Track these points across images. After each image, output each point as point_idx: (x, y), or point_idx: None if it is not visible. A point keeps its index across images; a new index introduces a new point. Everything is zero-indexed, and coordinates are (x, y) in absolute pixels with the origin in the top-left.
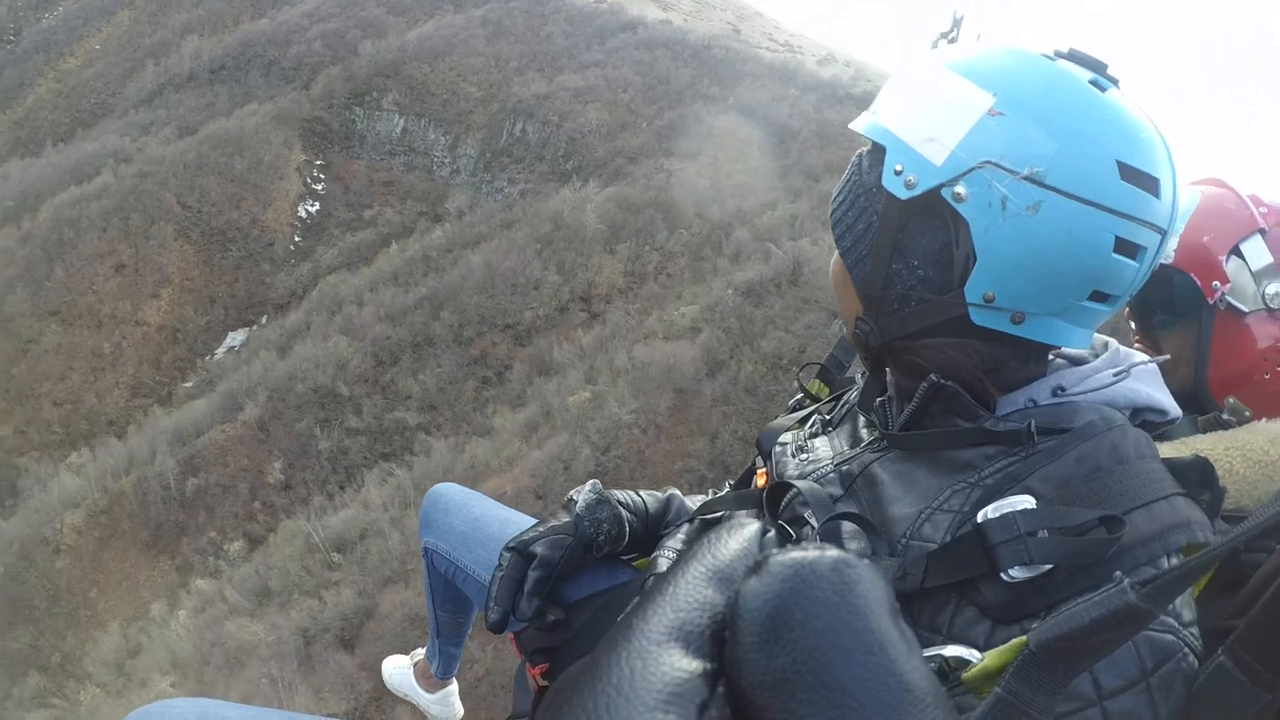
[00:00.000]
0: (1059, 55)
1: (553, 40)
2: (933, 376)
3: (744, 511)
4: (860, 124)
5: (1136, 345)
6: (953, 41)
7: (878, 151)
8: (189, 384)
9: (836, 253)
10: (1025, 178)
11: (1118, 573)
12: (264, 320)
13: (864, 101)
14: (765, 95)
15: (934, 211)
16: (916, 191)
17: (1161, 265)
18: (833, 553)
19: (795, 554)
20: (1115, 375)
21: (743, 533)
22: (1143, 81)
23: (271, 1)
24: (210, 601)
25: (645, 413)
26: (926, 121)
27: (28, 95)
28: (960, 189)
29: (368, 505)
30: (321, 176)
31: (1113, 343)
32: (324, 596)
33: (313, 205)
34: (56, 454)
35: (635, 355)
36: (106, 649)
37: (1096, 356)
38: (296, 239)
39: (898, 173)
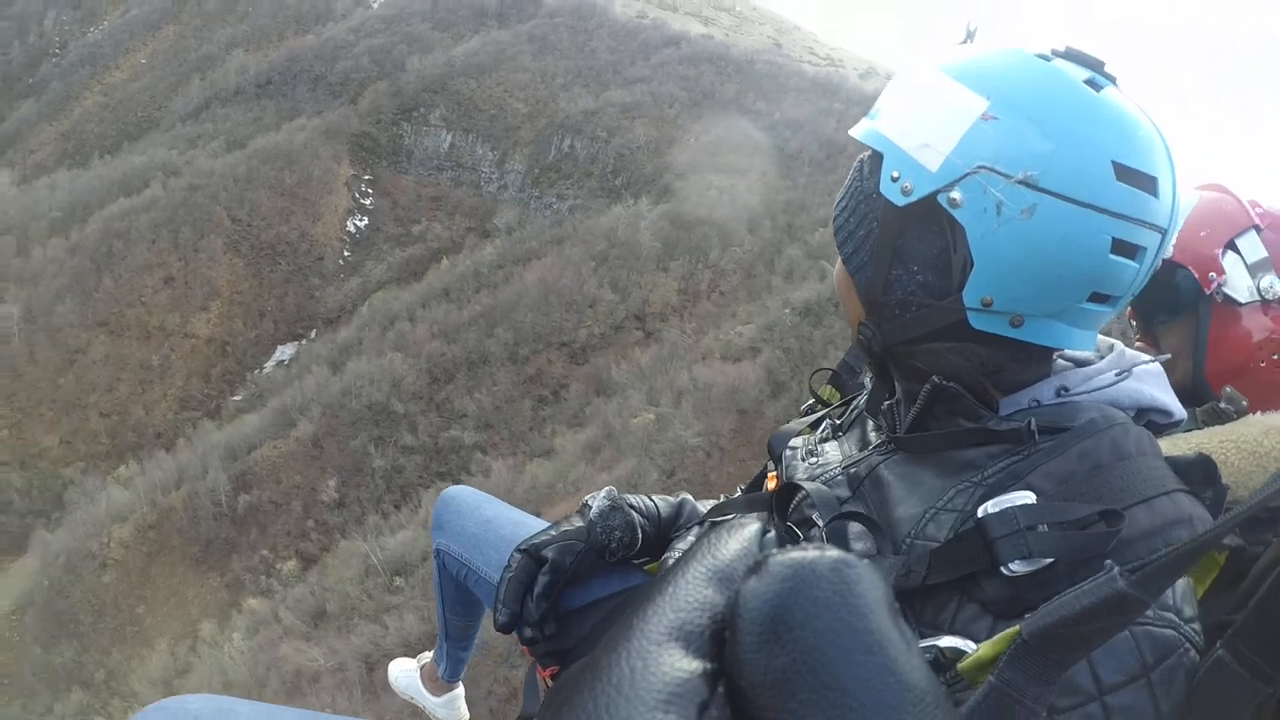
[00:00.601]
0: (1055, 54)
1: (597, 56)
2: (935, 379)
3: (753, 514)
4: (858, 130)
5: (1137, 344)
6: None
7: (877, 158)
8: (238, 397)
9: (839, 259)
10: (1020, 181)
11: (1107, 561)
12: (313, 335)
13: None
14: (810, 110)
15: (931, 217)
16: (913, 198)
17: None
18: (832, 553)
19: (795, 554)
20: (1118, 375)
21: (742, 533)
22: (1151, 88)
23: (317, 17)
24: (264, 622)
25: (709, 435)
26: (921, 127)
27: (74, 108)
28: (956, 194)
29: (426, 526)
30: (370, 191)
31: (1118, 345)
32: (385, 621)
33: (361, 220)
34: (103, 466)
35: (696, 376)
36: (154, 667)
37: (1102, 358)
38: (345, 254)
39: (894, 179)
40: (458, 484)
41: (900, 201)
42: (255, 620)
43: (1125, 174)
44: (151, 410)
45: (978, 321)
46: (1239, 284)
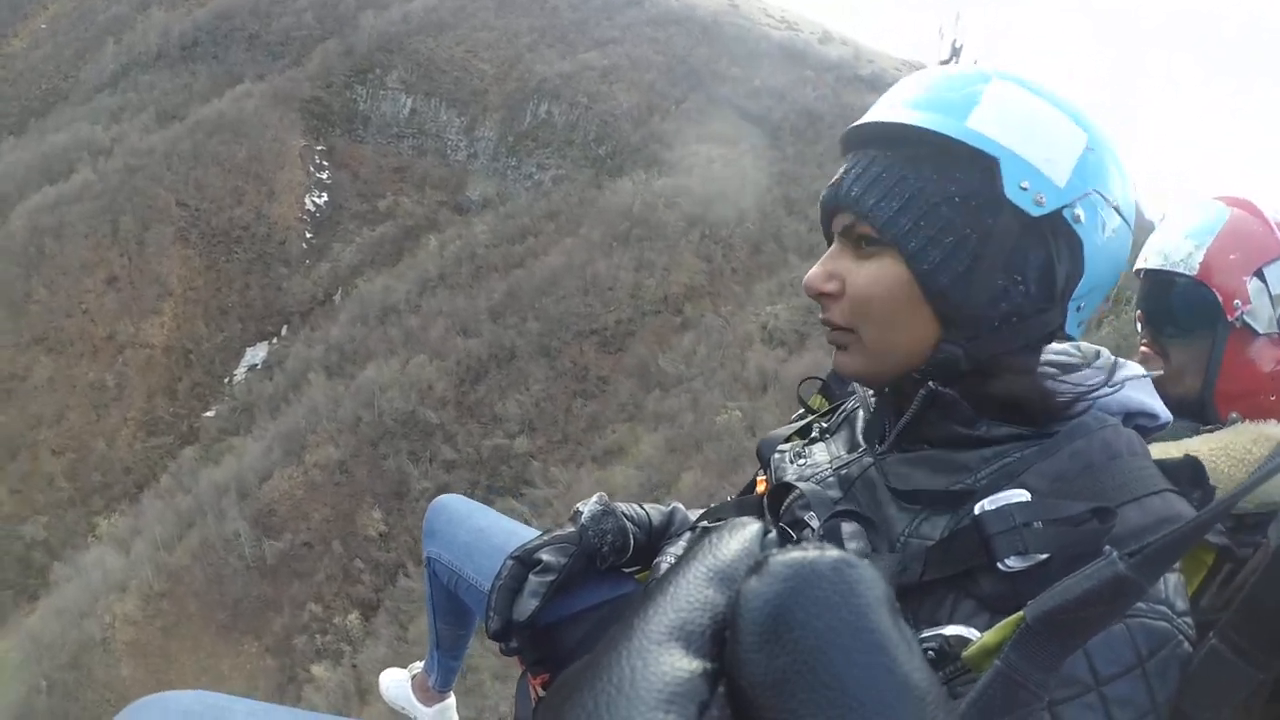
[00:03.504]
0: None
1: (559, 14)
2: (930, 384)
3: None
4: (939, 125)
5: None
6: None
7: (963, 160)
8: (211, 413)
9: (887, 267)
10: (1115, 208)
11: (1107, 546)
12: (284, 332)
13: (874, 83)
14: (785, 78)
15: (1044, 230)
16: (1046, 210)
17: (1184, 277)
18: (833, 552)
19: (796, 554)
20: (1111, 387)
21: (743, 533)
22: (1147, 71)
23: None
24: (348, 695)
25: None
26: (1039, 143)
27: None
28: (1080, 211)
29: None
30: (325, 164)
31: (1104, 352)
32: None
33: (320, 196)
34: (69, 517)
35: (762, 366)
36: None
37: (1088, 364)
38: (308, 235)
39: (1024, 189)
40: (520, 499)
41: (1035, 212)
42: (335, 692)
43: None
44: (113, 441)
45: (1070, 327)
46: (1261, 313)
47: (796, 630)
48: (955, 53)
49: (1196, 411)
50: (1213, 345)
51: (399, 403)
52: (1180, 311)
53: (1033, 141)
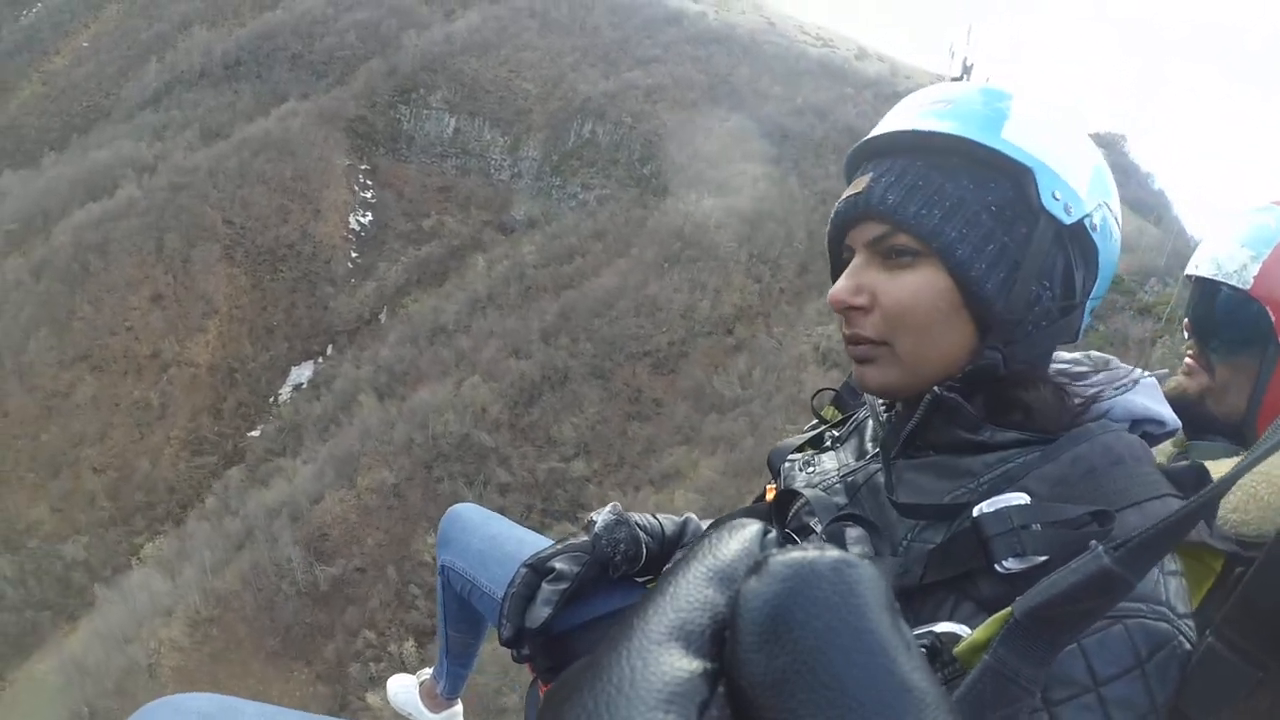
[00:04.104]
0: None
1: (601, 33)
2: (936, 389)
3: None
4: (977, 135)
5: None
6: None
7: (996, 170)
8: (256, 433)
9: (927, 276)
10: (1114, 217)
11: (1092, 540)
12: (329, 351)
13: None
14: (826, 96)
15: (1067, 237)
16: (1073, 219)
17: (1235, 289)
18: (833, 553)
19: (796, 554)
20: (1116, 389)
21: (743, 533)
22: (1167, 81)
23: None
24: None
25: None
26: (1065, 157)
27: (10, 100)
28: (1096, 220)
29: None
30: (369, 183)
31: (1114, 360)
32: None
33: (365, 216)
34: (109, 537)
35: (818, 387)
36: None
37: (1097, 372)
38: (353, 254)
39: (1056, 198)
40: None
41: (1066, 221)
42: None
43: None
44: (157, 460)
45: (1085, 324)
46: None
47: (796, 630)
48: (966, 70)
49: (1236, 433)
50: (1261, 366)
51: (453, 425)
52: (1229, 326)
53: (1060, 155)
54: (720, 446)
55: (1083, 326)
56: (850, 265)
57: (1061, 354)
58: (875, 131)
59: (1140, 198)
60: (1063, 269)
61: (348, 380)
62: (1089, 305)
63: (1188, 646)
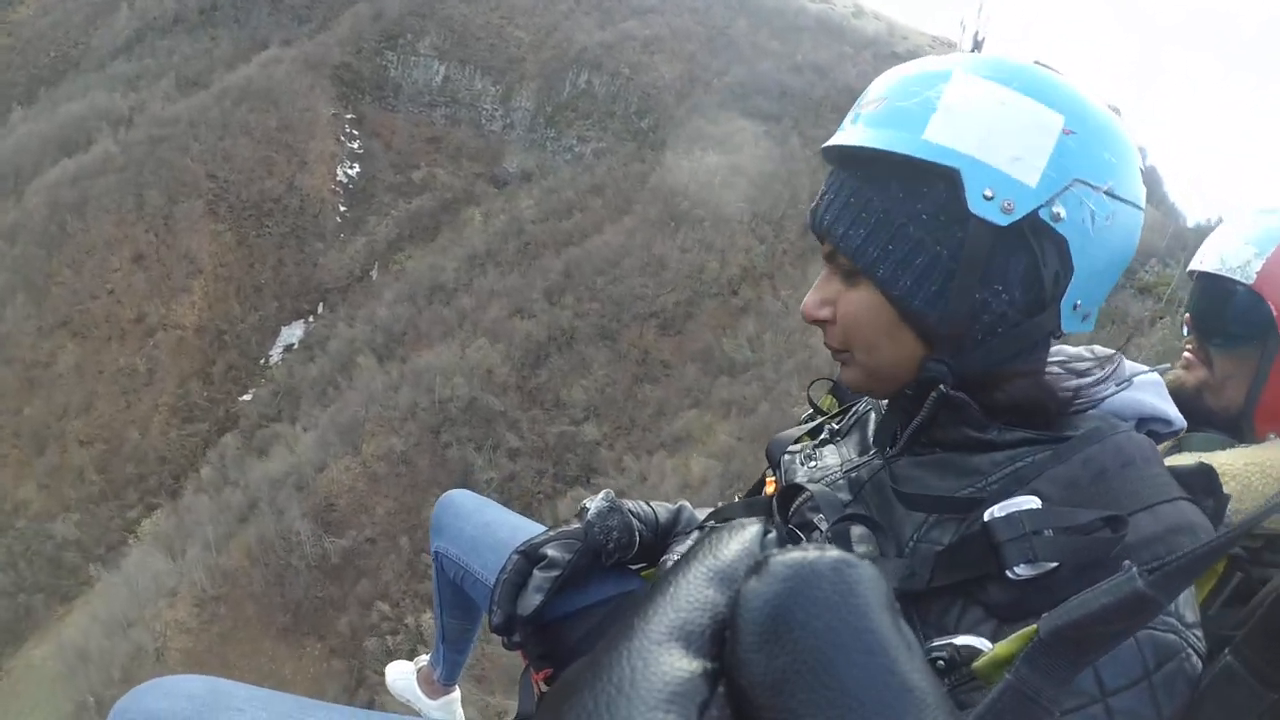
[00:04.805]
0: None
1: None
2: (941, 387)
3: (754, 517)
4: (894, 144)
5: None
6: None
7: (926, 175)
8: (248, 396)
9: (865, 294)
10: (1105, 192)
11: (1126, 561)
12: (320, 309)
13: (912, 59)
14: (827, 54)
15: (1022, 233)
16: (1016, 216)
17: (1238, 284)
18: (833, 553)
19: (796, 554)
20: (1119, 385)
21: (743, 533)
22: (1162, 68)
23: None
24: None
25: None
26: (1003, 141)
27: None
28: (1059, 209)
29: None
30: (356, 133)
31: (1119, 355)
32: None
33: (352, 167)
34: (101, 513)
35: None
36: None
37: (1103, 368)
38: (342, 208)
39: (988, 197)
40: (590, 488)
41: (1002, 221)
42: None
43: (1143, 175)
44: (146, 429)
45: (1068, 325)
46: None
47: (796, 630)
48: (977, 45)
49: (1232, 426)
50: (1260, 359)
51: (461, 389)
52: (1230, 320)
53: (997, 141)
54: (733, 410)
55: (1075, 320)
56: (820, 276)
57: (1065, 348)
58: (829, 140)
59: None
60: (1023, 269)
61: (343, 341)
62: (1073, 300)
63: (1196, 659)
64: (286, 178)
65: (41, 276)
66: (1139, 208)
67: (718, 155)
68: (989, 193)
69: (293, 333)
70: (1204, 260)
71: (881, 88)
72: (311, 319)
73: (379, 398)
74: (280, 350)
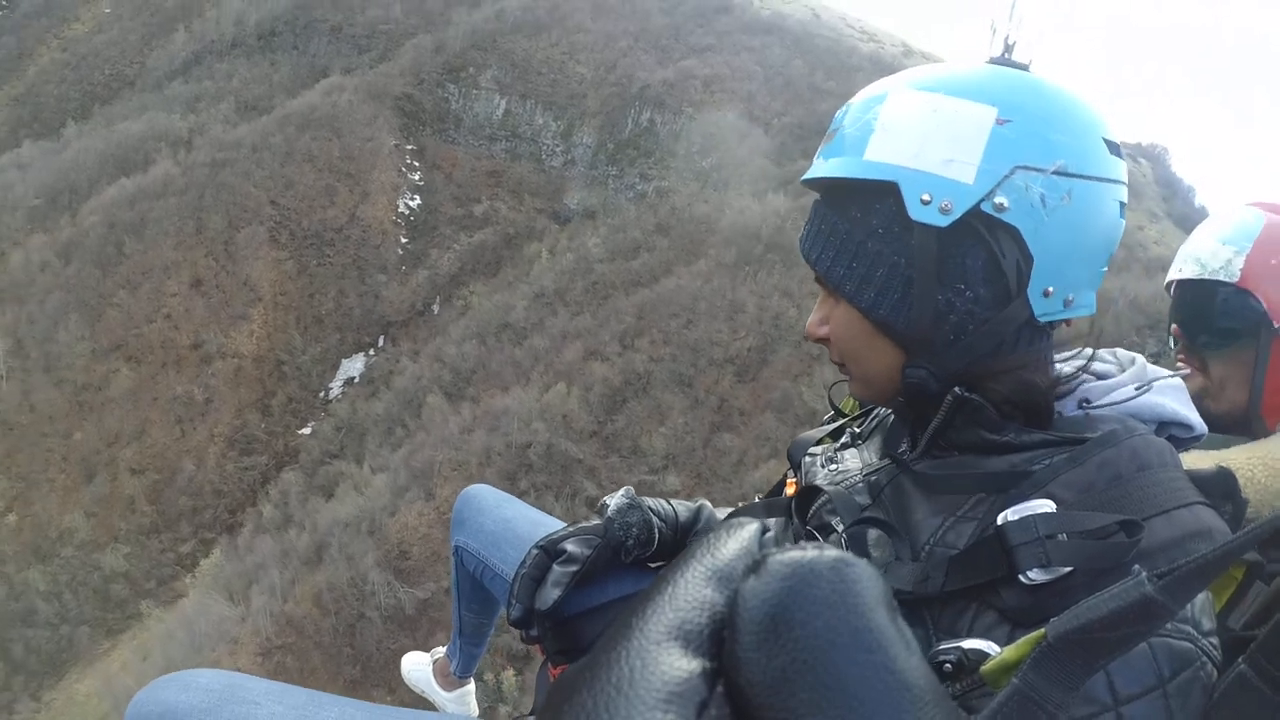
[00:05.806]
0: (997, 62)
1: (651, 18)
2: (957, 390)
3: (772, 519)
4: (840, 170)
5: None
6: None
7: (883, 190)
8: (307, 430)
9: (844, 310)
10: (1054, 172)
11: (1135, 566)
12: (381, 343)
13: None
14: None
15: (972, 230)
16: (956, 215)
17: (1224, 285)
18: (831, 552)
19: (794, 553)
20: (1138, 389)
21: (741, 533)
22: (1140, 83)
23: None
24: None
25: None
26: (935, 146)
27: (28, 67)
28: (1000, 199)
29: None
30: (417, 164)
31: (1140, 359)
32: None
33: (413, 199)
34: (153, 546)
35: None
36: None
37: (1123, 371)
38: (403, 240)
39: (925, 202)
40: None
41: (943, 223)
42: None
43: (1110, 146)
44: (201, 460)
45: (1042, 312)
46: None
47: (795, 629)
48: (1008, 49)
49: (1242, 427)
50: (1256, 355)
51: (540, 434)
52: (1221, 321)
53: (928, 148)
54: None
55: (1056, 305)
56: (818, 299)
57: (1093, 350)
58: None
59: (1185, 214)
60: (982, 264)
61: (409, 378)
62: (1043, 287)
63: (1211, 668)
64: (349, 208)
65: (96, 297)
66: (1107, 180)
67: (786, 199)
68: (926, 197)
69: (353, 365)
70: (1182, 269)
71: (835, 120)
72: (372, 352)
73: (452, 440)
74: (341, 383)
